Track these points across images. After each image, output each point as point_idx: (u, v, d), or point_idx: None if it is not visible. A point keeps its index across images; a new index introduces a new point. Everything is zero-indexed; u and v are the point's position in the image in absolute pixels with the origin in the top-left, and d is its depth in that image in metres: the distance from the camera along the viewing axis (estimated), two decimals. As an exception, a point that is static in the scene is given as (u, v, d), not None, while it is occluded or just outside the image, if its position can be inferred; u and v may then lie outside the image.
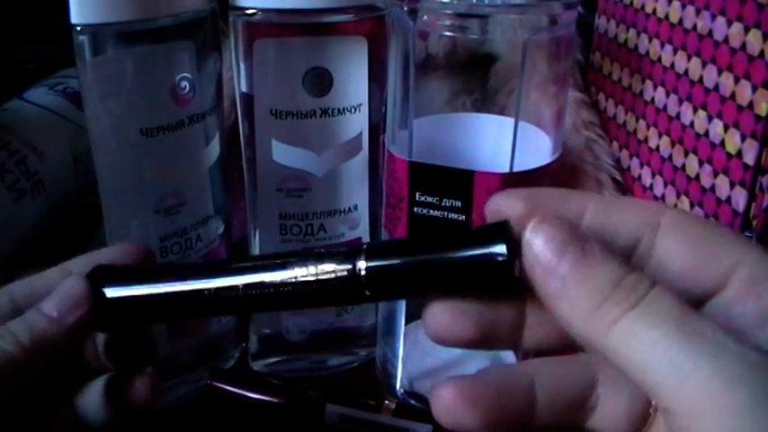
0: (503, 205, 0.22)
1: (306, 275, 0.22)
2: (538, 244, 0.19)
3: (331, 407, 0.35)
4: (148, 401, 0.26)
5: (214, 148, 0.36)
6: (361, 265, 0.21)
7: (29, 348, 0.23)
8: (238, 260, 0.24)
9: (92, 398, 0.26)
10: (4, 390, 0.23)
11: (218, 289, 0.23)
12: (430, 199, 0.33)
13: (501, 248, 0.20)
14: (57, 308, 0.24)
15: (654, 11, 0.43)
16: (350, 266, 0.21)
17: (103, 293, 0.24)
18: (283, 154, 0.36)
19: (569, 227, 0.19)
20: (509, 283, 0.21)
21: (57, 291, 0.24)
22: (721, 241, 0.20)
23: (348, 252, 0.22)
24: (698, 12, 0.39)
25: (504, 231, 0.21)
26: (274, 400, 0.36)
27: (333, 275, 0.22)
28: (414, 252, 0.21)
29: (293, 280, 0.22)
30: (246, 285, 0.23)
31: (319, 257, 0.22)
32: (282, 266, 0.22)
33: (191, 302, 0.24)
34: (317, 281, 0.22)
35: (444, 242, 0.21)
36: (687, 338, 0.17)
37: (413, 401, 0.38)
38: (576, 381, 0.22)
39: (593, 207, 0.22)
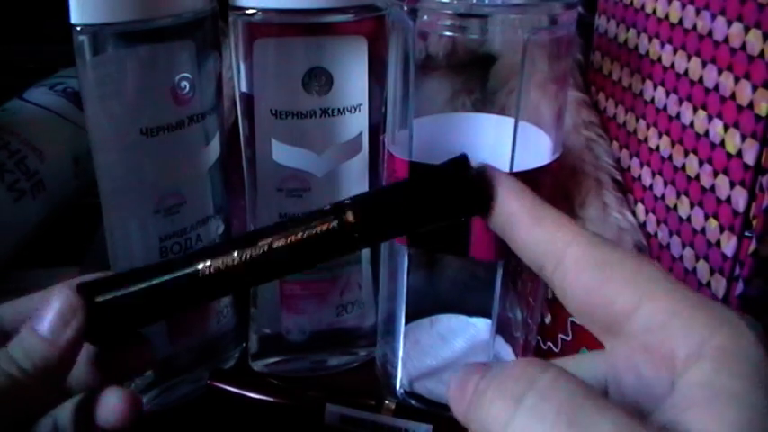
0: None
1: (298, 234, 0.24)
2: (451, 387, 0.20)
3: (331, 407, 0.35)
4: (126, 417, 0.25)
5: (214, 148, 0.36)
6: (349, 216, 0.23)
7: (30, 371, 0.23)
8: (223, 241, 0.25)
9: (64, 416, 0.25)
10: (10, 411, 0.23)
11: (212, 266, 0.24)
12: (430, 199, 0.33)
13: (466, 174, 0.24)
14: (50, 325, 0.24)
15: (654, 11, 0.43)
16: (338, 220, 0.23)
17: (94, 301, 0.24)
18: (283, 154, 0.36)
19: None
20: (476, 206, 0.24)
21: (47, 306, 0.24)
22: (619, 284, 0.20)
23: (334, 209, 0.24)
24: (698, 12, 0.39)
25: (465, 161, 0.24)
26: (274, 400, 0.36)
27: (324, 228, 0.23)
28: (391, 197, 0.24)
29: (286, 241, 0.23)
30: (243, 258, 0.24)
31: (308, 219, 0.24)
32: (275, 231, 0.24)
33: (188, 286, 0.24)
34: (310, 236, 0.24)
35: (414, 182, 0.25)
36: None
37: (413, 401, 0.38)
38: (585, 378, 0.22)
39: (520, 216, 0.23)
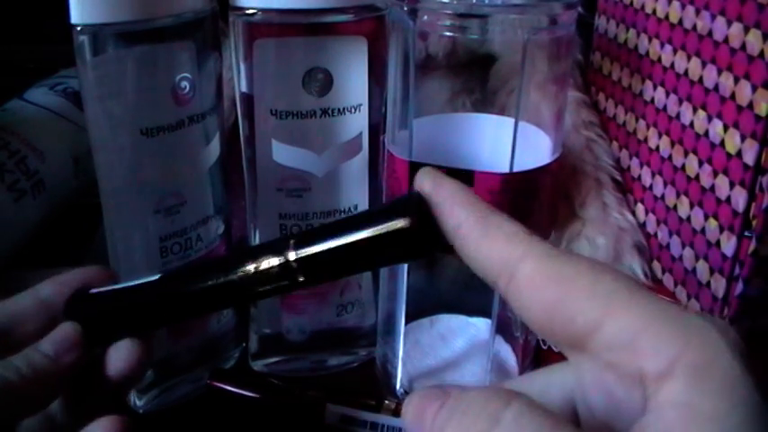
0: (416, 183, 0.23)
1: (248, 270, 0.25)
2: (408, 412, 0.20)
3: (331, 407, 0.35)
4: (137, 362, 0.26)
5: (214, 148, 0.36)
6: (292, 255, 0.24)
7: (30, 378, 0.24)
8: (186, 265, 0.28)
9: (55, 403, 0.27)
10: (5, 410, 0.24)
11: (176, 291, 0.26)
12: (430, 199, 0.33)
13: (405, 222, 0.22)
14: (54, 350, 0.25)
15: (654, 11, 0.43)
16: (282, 258, 0.24)
17: (89, 322, 0.27)
18: (283, 154, 0.36)
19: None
20: (420, 251, 0.23)
21: (53, 334, 0.26)
22: (578, 300, 0.19)
23: (279, 246, 0.24)
24: (698, 12, 0.39)
25: (410, 203, 0.23)
26: (274, 400, 0.36)
27: (269, 267, 0.24)
28: (333, 236, 0.23)
29: (236, 275, 0.25)
30: (189, 288, 0.26)
31: (256, 255, 0.25)
32: (226, 267, 0.25)
33: (159, 311, 0.27)
34: (257, 273, 0.24)
35: (359, 222, 0.23)
36: None
37: (413, 401, 0.38)
38: (556, 394, 0.21)
39: (467, 229, 0.21)
